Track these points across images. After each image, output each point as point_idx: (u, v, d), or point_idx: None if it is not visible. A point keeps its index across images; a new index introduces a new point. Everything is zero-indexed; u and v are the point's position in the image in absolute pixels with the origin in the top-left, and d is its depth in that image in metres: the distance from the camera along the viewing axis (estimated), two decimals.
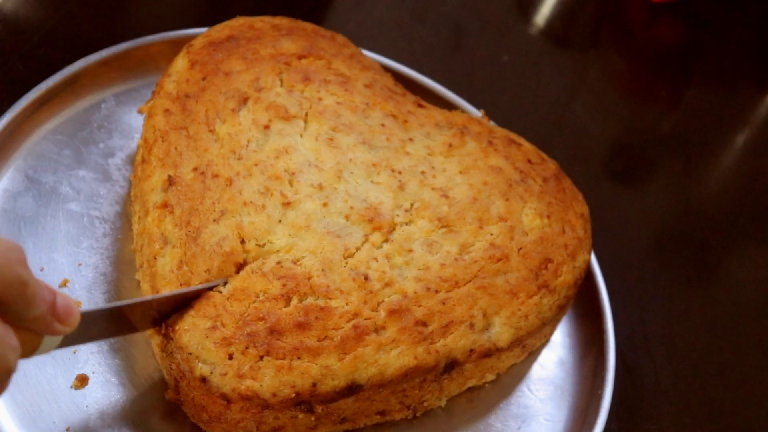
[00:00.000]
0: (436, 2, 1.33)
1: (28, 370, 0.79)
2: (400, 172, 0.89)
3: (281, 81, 0.93)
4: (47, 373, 0.79)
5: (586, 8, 1.41)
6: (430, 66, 1.15)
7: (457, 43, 1.27)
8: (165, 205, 0.83)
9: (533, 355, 0.95)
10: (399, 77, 1.06)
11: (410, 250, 0.84)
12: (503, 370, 0.92)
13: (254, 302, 0.79)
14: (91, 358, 0.82)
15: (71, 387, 0.80)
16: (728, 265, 1.17)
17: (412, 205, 0.87)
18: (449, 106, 1.08)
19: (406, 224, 0.86)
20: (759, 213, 1.23)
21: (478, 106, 1.09)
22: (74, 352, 0.81)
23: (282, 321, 0.78)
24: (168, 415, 0.81)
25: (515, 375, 0.94)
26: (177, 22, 1.07)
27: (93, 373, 0.81)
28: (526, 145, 0.99)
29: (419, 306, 0.82)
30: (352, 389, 0.79)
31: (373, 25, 1.26)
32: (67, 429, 0.77)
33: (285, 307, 0.79)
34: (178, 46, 0.98)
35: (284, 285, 0.80)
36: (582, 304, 0.98)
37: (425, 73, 1.10)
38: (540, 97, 1.27)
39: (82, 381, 0.80)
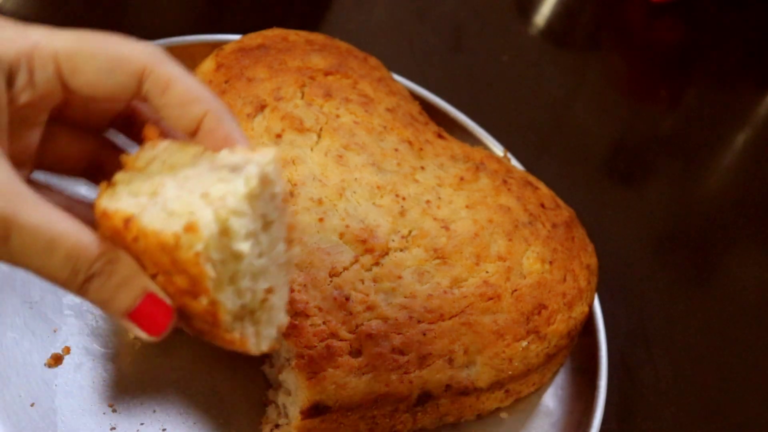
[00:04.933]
0: (436, 3, 1.35)
1: (6, 342, 0.80)
2: (404, 198, 0.88)
3: (302, 93, 0.94)
4: (23, 347, 0.81)
5: (585, 9, 1.42)
6: (430, 66, 1.17)
7: (457, 44, 1.29)
8: None
9: (520, 402, 0.93)
10: (429, 107, 1.06)
11: (399, 277, 0.83)
12: (485, 413, 0.90)
13: None
14: (71, 339, 0.83)
15: (44, 364, 0.81)
16: (728, 265, 1.17)
17: (410, 232, 0.86)
18: (475, 140, 1.07)
19: (400, 250, 0.85)
20: (759, 213, 1.23)
21: (477, 106, 1.09)
22: (54, 331, 0.82)
23: None
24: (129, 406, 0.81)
25: (500, 420, 0.91)
26: (177, 24, 1.09)
27: (68, 354, 0.82)
28: (543, 189, 0.97)
29: (398, 334, 0.80)
30: (319, 410, 0.78)
31: (373, 25, 1.28)
32: (32, 404, 0.78)
33: None
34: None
35: None
36: (580, 359, 0.96)
37: (425, 75, 1.11)
38: (540, 98, 1.27)
39: (56, 360, 0.81)
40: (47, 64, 0.56)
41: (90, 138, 0.65)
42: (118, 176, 0.58)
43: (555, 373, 0.95)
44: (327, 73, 0.97)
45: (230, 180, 0.56)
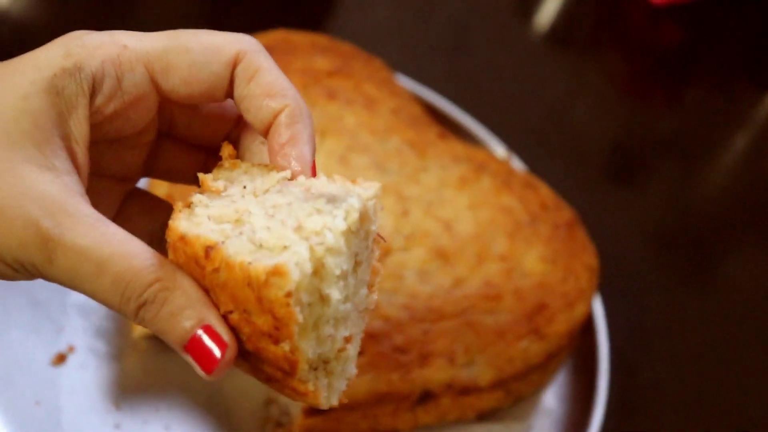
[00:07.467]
0: (438, 4, 1.36)
1: (11, 341, 0.81)
2: (406, 199, 0.89)
3: (306, 95, 0.94)
4: (28, 346, 0.82)
5: (586, 11, 1.43)
6: (432, 67, 1.18)
7: (459, 45, 1.30)
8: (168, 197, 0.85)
9: (521, 402, 0.93)
10: (432, 108, 1.06)
11: (401, 277, 0.84)
12: (486, 412, 0.90)
13: None
14: (75, 338, 0.83)
15: (49, 363, 0.81)
16: (727, 265, 1.17)
17: (412, 232, 0.87)
18: (477, 141, 1.07)
19: (403, 251, 0.86)
20: (757, 214, 1.23)
21: (478, 107, 1.10)
22: (59, 330, 0.83)
23: None
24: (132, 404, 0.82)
25: (500, 418, 0.92)
26: (180, 26, 1.10)
27: (73, 353, 0.82)
28: (545, 190, 0.97)
29: (400, 333, 0.81)
30: (321, 408, 0.79)
31: (376, 26, 1.29)
32: (37, 403, 0.79)
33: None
34: None
35: None
36: (580, 358, 0.96)
37: (427, 75, 1.12)
38: (540, 98, 1.28)
39: (60, 359, 0.82)
40: (136, 66, 0.53)
41: (201, 151, 0.61)
42: (196, 198, 0.52)
43: (556, 373, 0.96)
44: (330, 75, 0.98)
45: (328, 212, 0.50)
